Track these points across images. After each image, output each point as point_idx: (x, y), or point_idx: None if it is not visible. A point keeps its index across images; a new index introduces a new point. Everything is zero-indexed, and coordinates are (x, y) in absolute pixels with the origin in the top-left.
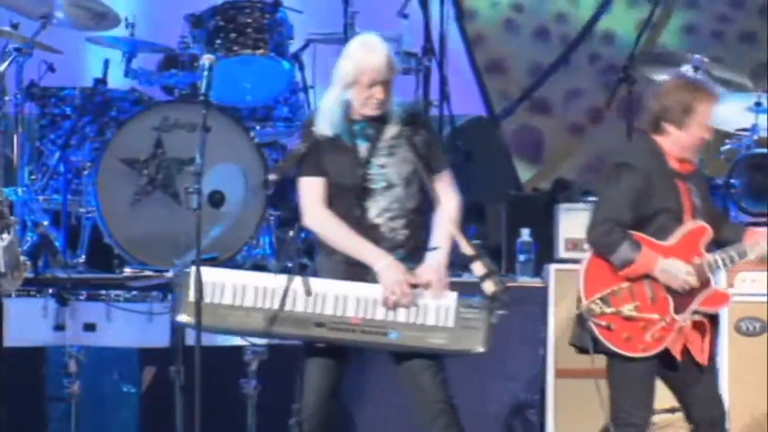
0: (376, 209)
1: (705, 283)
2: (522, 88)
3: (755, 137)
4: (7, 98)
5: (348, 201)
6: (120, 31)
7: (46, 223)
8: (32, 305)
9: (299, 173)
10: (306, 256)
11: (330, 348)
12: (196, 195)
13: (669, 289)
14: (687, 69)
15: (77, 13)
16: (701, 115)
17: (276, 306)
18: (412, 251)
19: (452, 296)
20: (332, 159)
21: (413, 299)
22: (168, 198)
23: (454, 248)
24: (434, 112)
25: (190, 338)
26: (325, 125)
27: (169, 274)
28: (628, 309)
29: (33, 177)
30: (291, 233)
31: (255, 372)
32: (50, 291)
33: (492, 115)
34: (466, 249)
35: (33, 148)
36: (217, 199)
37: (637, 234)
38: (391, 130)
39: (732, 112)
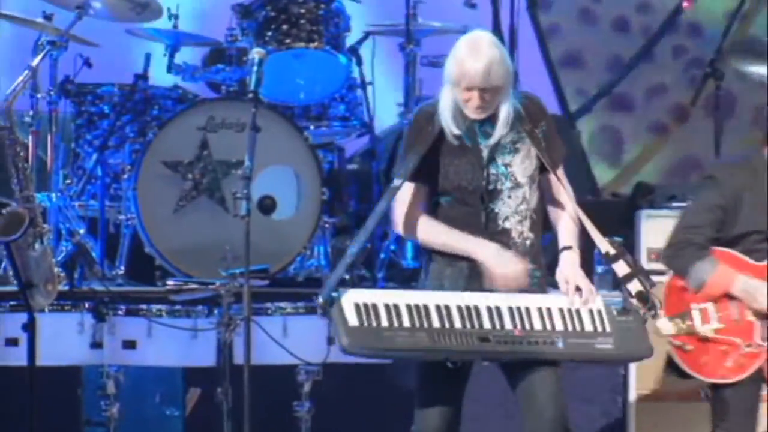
0: (504, 212)
1: None
2: (600, 84)
3: None
4: (40, 95)
5: (473, 205)
6: (163, 23)
7: (82, 231)
8: (67, 321)
9: (398, 175)
10: (364, 267)
11: (448, 368)
12: (245, 201)
13: (758, 313)
14: None
15: (116, 3)
16: None
17: (435, 324)
18: (537, 257)
19: (599, 300)
20: (453, 161)
21: (526, 282)
22: (214, 204)
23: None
24: None
25: (238, 356)
26: (447, 125)
27: (216, 287)
28: (707, 329)
29: (68, 181)
30: (349, 243)
31: (308, 394)
32: (86, 305)
33: (567, 114)
34: (605, 247)
35: (68, 149)
36: (267, 205)
37: (723, 251)
38: (512, 126)
39: None
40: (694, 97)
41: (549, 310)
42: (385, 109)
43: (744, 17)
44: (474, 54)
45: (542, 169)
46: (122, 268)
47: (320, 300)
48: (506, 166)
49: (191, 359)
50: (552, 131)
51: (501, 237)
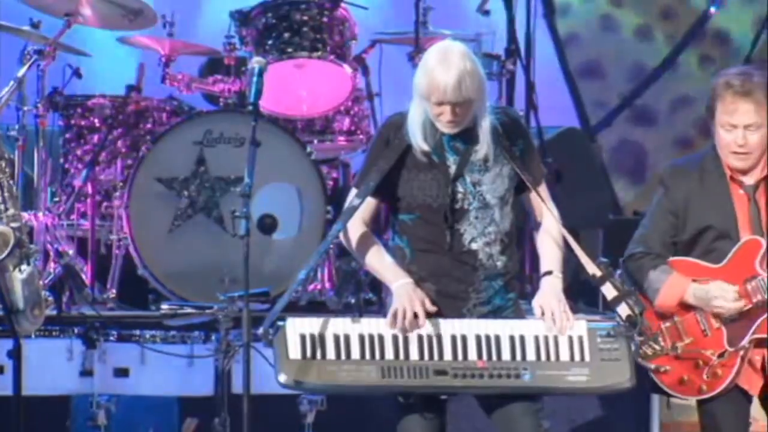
0: (470, 233)
1: (761, 306)
2: (621, 95)
3: None
4: (26, 108)
5: (438, 224)
6: (157, 31)
7: (71, 252)
8: (55, 347)
9: (355, 183)
10: (371, 290)
11: (427, 400)
12: (244, 220)
13: (723, 318)
14: None
15: (107, 10)
16: (719, 114)
17: (388, 356)
18: (510, 281)
19: (581, 325)
20: (417, 176)
21: (420, 326)
22: (211, 223)
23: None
24: None
25: (236, 385)
26: (417, 141)
27: (214, 311)
28: (679, 347)
29: (56, 199)
30: (354, 264)
31: (311, 425)
32: (76, 331)
33: (587, 127)
34: (592, 269)
35: (56, 165)
36: (268, 225)
37: (680, 260)
38: (484, 141)
39: None
40: None
41: (522, 338)
42: None
43: None
44: (444, 66)
45: (523, 189)
46: (114, 291)
47: (260, 330)
48: (475, 184)
49: (187, 388)
50: (530, 149)
51: (467, 258)
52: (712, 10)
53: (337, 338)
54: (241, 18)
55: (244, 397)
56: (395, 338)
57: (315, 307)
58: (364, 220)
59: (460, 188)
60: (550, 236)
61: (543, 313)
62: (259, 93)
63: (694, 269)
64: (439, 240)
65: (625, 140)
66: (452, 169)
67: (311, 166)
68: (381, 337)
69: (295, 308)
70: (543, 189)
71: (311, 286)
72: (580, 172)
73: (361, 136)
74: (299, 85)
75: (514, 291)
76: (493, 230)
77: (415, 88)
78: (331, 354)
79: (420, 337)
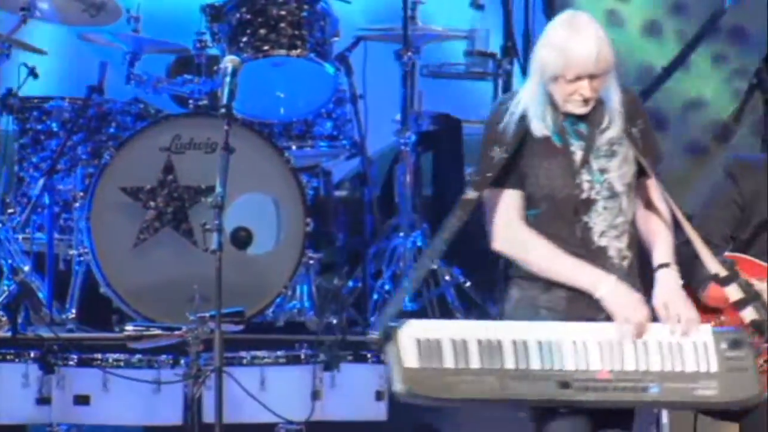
0: (600, 227)
1: None
2: None
3: None
4: None
5: (564, 218)
6: (121, 27)
7: (26, 268)
8: (10, 372)
9: (488, 183)
10: (355, 309)
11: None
12: (216, 233)
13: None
14: None
15: (66, 3)
16: None
17: (508, 364)
18: (635, 279)
19: (706, 329)
20: (540, 164)
21: (648, 330)
22: (180, 237)
23: None
24: None
25: (208, 414)
26: (537, 125)
27: (183, 333)
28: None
29: (10, 210)
30: (336, 281)
31: None
32: (32, 354)
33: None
34: (715, 267)
35: (10, 173)
36: (242, 238)
37: (735, 256)
38: (614, 121)
39: None
40: (737, 112)
41: (645, 345)
42: (379, 126)
43: None
44: (579, 36)
45: (639, 174)
46: (73, 311)
47: (375, 335)
48: (602, 171)
49: (154, 417)
50: (649, 129)
51: (598, 256)
52: (727, 4)
53: (454, 344)
54: (213, 13)
55: (216, 426)
56: (514, 344)
57: (294, 327)
58: (515, 215)
59: (586, 176)
60: (665, 224)
61: (666, 313)
62: (232, 94)
63: (749, 267)
64: (566, 236)
65: None
66: (577, 155)
67: (289, 174)
68: (500, 344)
69: (273, 329)
70: (657, 175)
71: (289, 305)
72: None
73: (343, 142)
74: (276, 86)
75: (639, 289)
76: (621, 221)
77: (541, 68)
78: (449, 362)
79: (539, 344)
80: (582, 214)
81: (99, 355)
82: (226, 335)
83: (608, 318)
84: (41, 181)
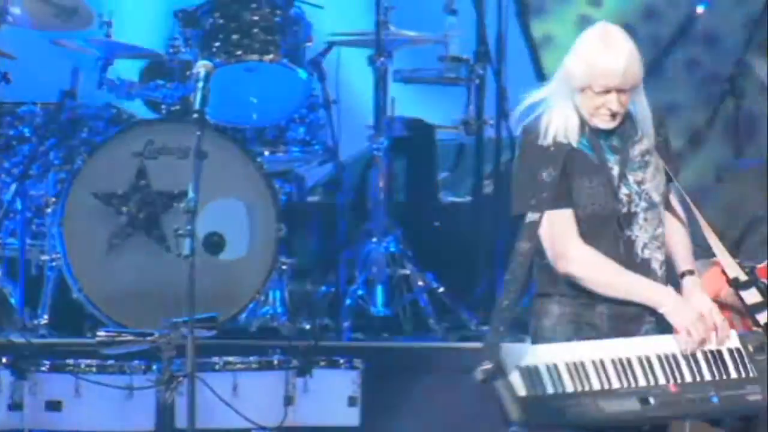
0: (642, 239)
1: None
2: None
3: None
4: None
5: (608, 235)
6: (93, 32)
7: None
8: None
9: (540, 206)
10: (328, 315)
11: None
12: (189, 238)
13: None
14: None
15: (39, 8)
16: None
17: (594, 385)
18: (669, 285)
19: (733, 335)
20: (581, 183)
21: (727, 332)
22: (152, 242)
23: None
24: (490, 132)
25: (180, 419)
26: (567, 138)
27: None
28: None
29: None
30: (309, 287)
31: None
32: (4, 360)
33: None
34: (734, 271)
35: None
36: (214, 244)
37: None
38: (646, 133)
39: None
40: (710, 117)
41: (694, 356)
42: (352, 132)
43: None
44: (609, 49)
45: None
46: (46, 316)
47: (488, 366)
48: (639, 183)
49: (126, 423)
50: (668, 139)
51: (641, 269)
52: (700, 9)
53: (548, 369)
54: (186, 18)
55: None
56: (594, 364)
57: (266, 333)
58: (579, 238)
59: (624, 190)
60: (684, 228)
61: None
62: (205, 100)
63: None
64: (611, 252)
65: None
66: (615, 170)
67: (262, 179)
68: (583, 365)
69: (246, 335)
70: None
71: (262, 310)
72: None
73: (316, 147)
74: (249, 91)
75: None
76: (661, 232)
77: (567, 79)
78: (549, 387)
79: (613, 362)
80: (625, 229)
81: (71, 361)
82: (199, 341)
83: (647, 333)
84: (13, 187)
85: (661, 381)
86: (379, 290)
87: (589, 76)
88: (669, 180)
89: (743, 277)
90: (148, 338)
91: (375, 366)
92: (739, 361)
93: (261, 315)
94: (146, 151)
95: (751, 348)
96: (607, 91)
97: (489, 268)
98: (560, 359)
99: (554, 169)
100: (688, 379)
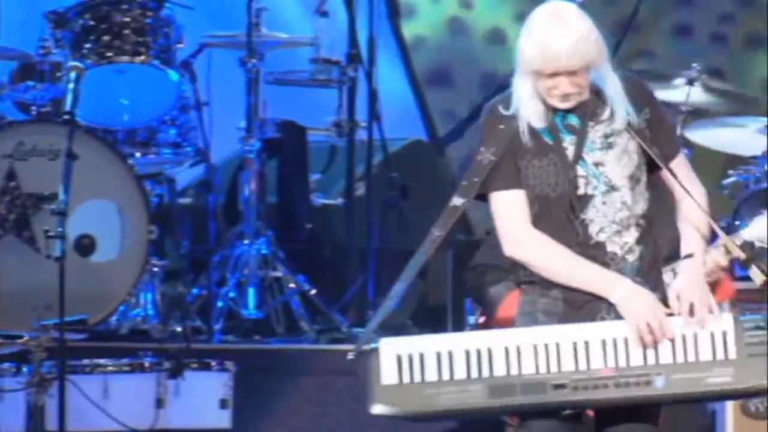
0: (598, 223)
1: None
2: (472, 104)
3: (766, 167)
4: None
5: (560, 216)
6: None
7: None
8: None
9: (489, 187)
10: (199, 317)
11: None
12: (60, 240)
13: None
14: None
15: None
16: None
17: (498, 371)
18: (649, 271)
19: (726, 318)
20: (531, 162)
21: (672, 332)
22: (22, 244)
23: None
24: (361, 135)
25: (51, 422)
26: (527, 121)
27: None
28: None
29: None
30: (181, 289)
31: None
32: None
33: (434, 139)
34: (735, 251)
35: None
36: (85, 246)
37: None
38: (618, 111)
39: (738, 136)
40: None
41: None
42: (224, 133)
43: (638, 28)
44: (556, 30)
45: (656, 166)
46: None
47: (350, 356)
48: (597, 165)
49: None
50: (660, 118)
51: (596, 253)
52: None
53: (438, 356)
54: (57, 19)
55: None
56: (506, 351)
57: (138, 335)
58: (528, 218)
59: (580, 171)
60: (688, 221)
61: (678, 305)
62: (76, 101)
63: None
64: (562, 235)
65: None
66: (569, 150)
67: (133, 181)
68: (490, 351)
69: (117, 337)
70: (679, 164)
71: (133, 312)
72: (427, 188)
73: (188, 149)
74: (120, 93)
75: (658, 285)
76: (625, 215)
77: (521, 62)
78: (431, 375)
79: (534, 348)
80: (579, 211)
81: None
82: (70, 343)
83: (603, 319)
84: None
85: (596, 365)
86: (250, 292)
87: (534, 58)
88: (653, 163)
89: (743, 256)
90: (18, 341)
91: (246, 368)
92: (720, 343)
93: (132, 317)
94: (16, 152)
95: (745, 332)
96: (556, 74)
97: (361, 271)
98: (461, 346)
99: (493, 153)
100: (637, 363)
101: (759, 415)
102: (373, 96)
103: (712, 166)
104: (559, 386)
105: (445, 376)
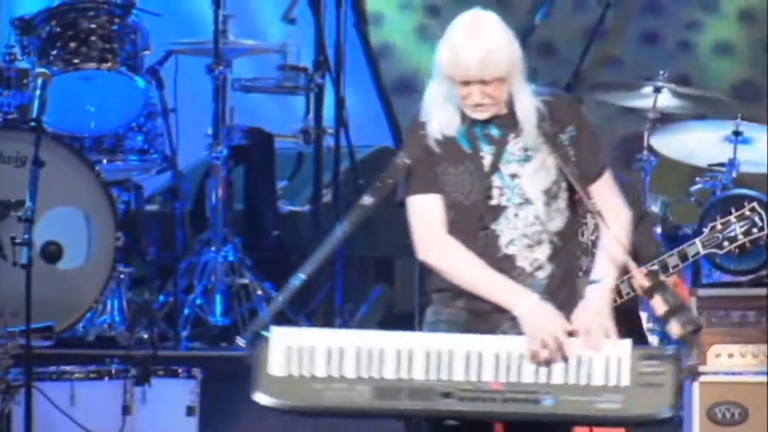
0: (508, 235)
1: None
2: None
3: (733, 174)
4: None
5: (469, 225)
6: None
7: None
8: None
9: (406, 191)
10: (166, 324)
11: (476, 424)
12: (26, 247)
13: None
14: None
15: None
16: None
17: (387, 374)
18: (558, 290)
19: (625, 345)
20: (447, 170)
21: (570, 352)
22: None
23: None
24: (329, 142)
25: (17, 429)
26: (436, 126)
27: None
28: None
29: None
30: (148, 296)
31: None
32: None
33: (401, 147)
34: (641, 281)
35: None
36: (52, 253)
37: None
38: (526, 128)
39: (704, 143)
40: None
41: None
42: (191, 140)
43: (605, 35)
44: (470, 38)
45: (589, 181)
46: None
47: (241, 342)
48: (513, 177)
49: None
50: (585, 137)
51: (503, 265)
52: (538, 20)
53: (329, 352)
54: (23, 26)
55: None
56: (398, 353)
57: (104, 342)
58: (443, 223)
59: (496, 182)
60: (606, 237)
61: (576, 328)
62: (42, 108)
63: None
64: (471, 244)
65: None
66: (487, 160)
67: (100, 188)
68: (382, 352)
69: (83, 344)
70: (602, 186)
71: (100, 319)
72: (394, 195)
73: (155, 156)
74: (87, 100)
75: (567, 304)
76: (537, 230)
77: (437, 66)
78: (320, 370)
79: (427, 354)
80: (489, 222)
81: None
82: (36, 350)
83: (504, 333)
84: None
85: (487, 379)
86: (217, 299)
87: (447, 64)
88: (579, 180)
89: (647, 284)
90: None
91: (213, 375)
92: (614, 369)
93: (99, 324)
94: None
95: (641, 360)
96: (468, 82)
97: (328, 278)
98: (352, 343)
99: (407, 157)
100: (527, 379)
101: (725, 422)
102: (340, 103)
103: (679, 172)
104: (446, 395)
105: (334, 373)
